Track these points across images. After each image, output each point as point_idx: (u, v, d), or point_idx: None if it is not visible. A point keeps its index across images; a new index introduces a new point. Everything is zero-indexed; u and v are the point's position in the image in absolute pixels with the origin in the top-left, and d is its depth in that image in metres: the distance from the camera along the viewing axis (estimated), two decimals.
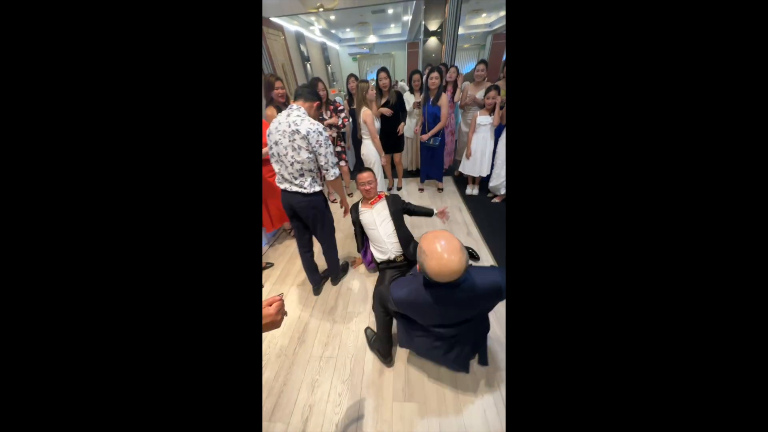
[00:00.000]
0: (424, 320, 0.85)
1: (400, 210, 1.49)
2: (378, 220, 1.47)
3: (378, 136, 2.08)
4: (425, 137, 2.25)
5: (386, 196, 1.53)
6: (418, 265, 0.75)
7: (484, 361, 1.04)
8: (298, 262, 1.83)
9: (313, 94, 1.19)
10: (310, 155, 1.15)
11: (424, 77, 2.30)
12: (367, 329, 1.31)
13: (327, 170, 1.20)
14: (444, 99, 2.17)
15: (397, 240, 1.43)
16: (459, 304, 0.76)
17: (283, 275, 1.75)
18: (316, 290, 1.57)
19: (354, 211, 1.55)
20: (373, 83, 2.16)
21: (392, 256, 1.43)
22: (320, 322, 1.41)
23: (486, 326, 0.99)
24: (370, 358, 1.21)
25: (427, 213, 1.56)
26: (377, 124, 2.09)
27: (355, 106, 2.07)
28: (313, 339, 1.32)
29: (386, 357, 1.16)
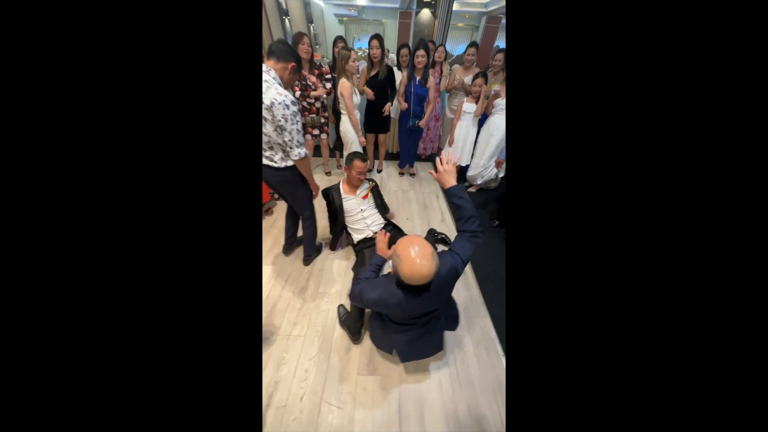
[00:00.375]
0: (398, 316, 0.89)
1: (381, 200, 1.59)
2: (363, 208, 1.50)
3: (355, 113, 1.93)
4: (424, 122, 2.17)
5: (374, 188, 1.54)
6: (392, 268, 0.77)
7: (452, 327, 1.11)
8: (270, 240, 1.76)
9: (288, 53, 1.00)
10: (277, 128, 1.04)
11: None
12: (339, 307, 1.34)
13: (291, 149, 1.08)
14: (432, 81, 2.08)
15: (382, 222, 1.54)
16: (429, 298, 0.80)
17: None
18: (287, 249, 1.60)
19: (334, 193, 1.49)
20: (359, 53, 1.99)
21: (369, 234, 1.49)
22: (290, 301, 1.40)
23: (452, 306, 1.05)
24: (339, 335, 1.24)
25: (386, 210, 1.59)
26: (356, 99, 1.93)
27: (336, 74, 1.90)
28: (282, 318, 1.31)
29: (355, 335, 1.20)
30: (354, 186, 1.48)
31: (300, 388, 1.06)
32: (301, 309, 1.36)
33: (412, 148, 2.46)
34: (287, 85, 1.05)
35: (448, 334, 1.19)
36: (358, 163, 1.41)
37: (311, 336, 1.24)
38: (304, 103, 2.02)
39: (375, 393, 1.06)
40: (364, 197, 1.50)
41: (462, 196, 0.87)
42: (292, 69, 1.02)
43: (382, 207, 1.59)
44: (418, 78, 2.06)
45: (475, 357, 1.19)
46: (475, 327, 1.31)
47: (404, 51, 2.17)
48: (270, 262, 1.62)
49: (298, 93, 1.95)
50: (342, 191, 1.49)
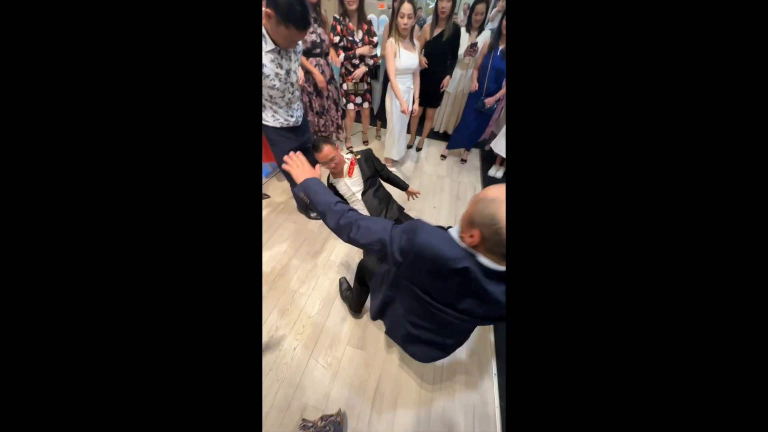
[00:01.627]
0: (432, 289, 0.62)
1: (374, 173, 1.37)
2: (354, 189, 1.35)
3: (396, 79, 1.64)
4: (492, 100, 1.83)
5: (358, 161, 1.32)
6: (473, 230, 0.50)
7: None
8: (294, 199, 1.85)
9: None
10: None
11: (491, 11, 1.77)
12: (342, 279, 1.37)
13: None
14: None
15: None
16: (489, 299, 0.55)
17: (278, 209, 1.79)
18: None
19: (329, 179, 1.39)
20: (429, 5, 1.69)
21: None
22: (303, 260, 1.49)
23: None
24: (339, 304, 1.31)
25: (400, 186, 1.45)
26: (399, 63, 1.61)
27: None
28: (293, 274, 1.42)
29: (355, 311, 1.24)
30: (338, 171, 1.31)
31: (295, 340, 1.18)
32: (311, 271, 1.45)
33: (476, 132, 2.11)
34: (276, 40, 0.85)
35: None
36: (318, 154, 1.20)
37: (314, 297, 1.33)
38: (348, 66, 1.83)
39: (359, 366, 1.12)
40: (350, 175, 1.30)
41: None
42: (267, 17, 0.78)
43: (380, 179, 1.36)
44: (501, 47, 1.68)
45: (464, 368, 1.15)
46: (475, 332, 1.24)
47: (480, 7, 1.78)
48: (294, 221, 1.72)
49: (341, 56, 1.73)
50: (330, 177, 1.35)
